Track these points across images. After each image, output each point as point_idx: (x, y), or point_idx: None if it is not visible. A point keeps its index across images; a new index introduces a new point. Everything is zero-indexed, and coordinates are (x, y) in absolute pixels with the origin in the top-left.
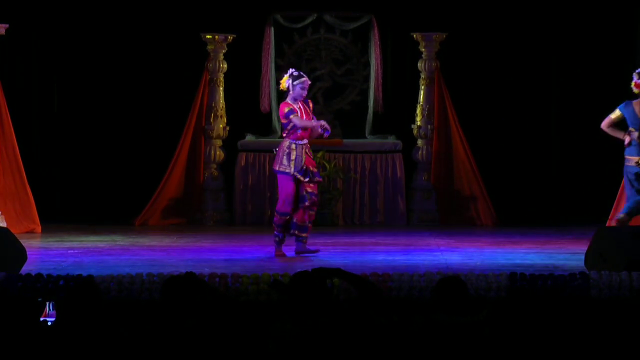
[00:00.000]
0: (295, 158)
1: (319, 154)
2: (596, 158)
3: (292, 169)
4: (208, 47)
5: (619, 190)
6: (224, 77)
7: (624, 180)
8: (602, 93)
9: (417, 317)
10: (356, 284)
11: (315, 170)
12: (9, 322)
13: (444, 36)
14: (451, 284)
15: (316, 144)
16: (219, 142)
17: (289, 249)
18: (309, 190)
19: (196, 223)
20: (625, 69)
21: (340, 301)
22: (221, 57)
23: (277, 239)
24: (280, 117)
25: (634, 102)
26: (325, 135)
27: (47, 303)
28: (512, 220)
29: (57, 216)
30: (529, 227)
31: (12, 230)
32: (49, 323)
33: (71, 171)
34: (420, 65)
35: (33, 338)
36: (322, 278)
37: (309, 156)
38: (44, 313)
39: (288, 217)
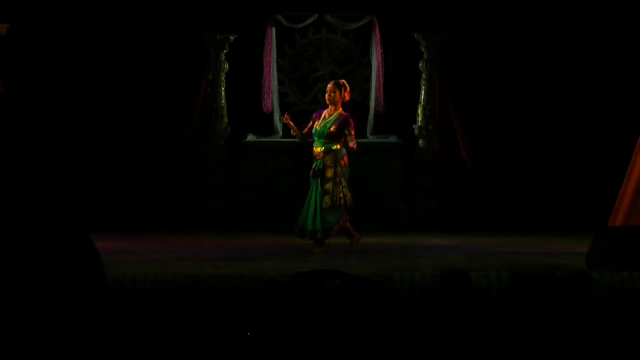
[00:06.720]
0: None
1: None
2: (596, 158)
3: None
4: (209, 47)
5: (620, 190)
6: (226, 78)
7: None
8: (602, 93)
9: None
10: (356, 285)
11: None
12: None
13: (445, 36)
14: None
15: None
16: (220, 142)
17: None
18: None
19: (197, 222)
20: (627, 70)
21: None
22: (222, 57)
23: None
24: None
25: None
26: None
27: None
28: (514, 220)
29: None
30: (530, 227)
31: None
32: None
33: (72, 171)
34: (421, 65)
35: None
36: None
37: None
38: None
39: None
